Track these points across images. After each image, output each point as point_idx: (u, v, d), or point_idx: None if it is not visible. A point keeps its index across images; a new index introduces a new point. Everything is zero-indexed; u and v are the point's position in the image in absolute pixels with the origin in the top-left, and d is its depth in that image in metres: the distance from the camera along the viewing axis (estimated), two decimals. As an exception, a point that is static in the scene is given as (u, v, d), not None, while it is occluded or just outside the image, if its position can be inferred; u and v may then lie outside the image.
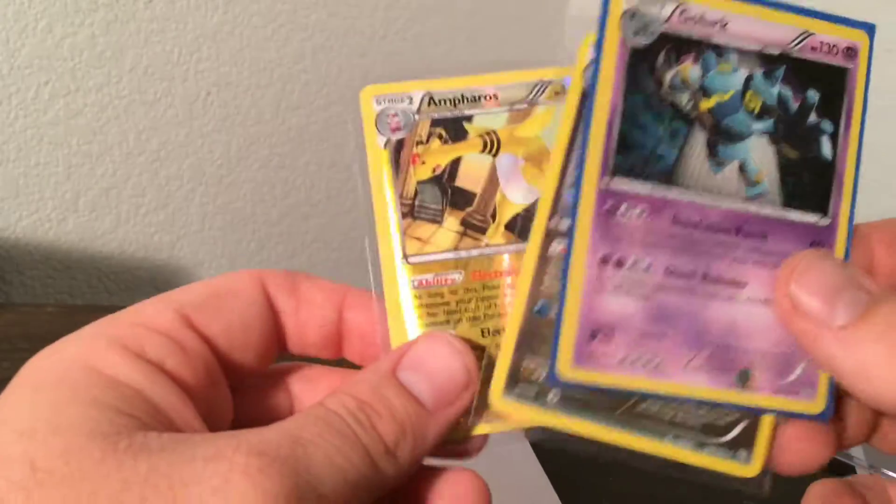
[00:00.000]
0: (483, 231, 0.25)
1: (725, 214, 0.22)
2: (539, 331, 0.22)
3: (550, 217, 0.23)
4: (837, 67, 0.23)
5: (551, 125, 0.25)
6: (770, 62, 0.23)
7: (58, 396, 0.19)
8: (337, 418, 0.20)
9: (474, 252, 0.24)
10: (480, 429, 0.23)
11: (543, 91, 0.25)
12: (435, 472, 0.23)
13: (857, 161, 0.23)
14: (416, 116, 0.25)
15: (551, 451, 0.45)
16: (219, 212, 0.71)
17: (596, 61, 0.22)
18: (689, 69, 0.22)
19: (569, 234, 0.22)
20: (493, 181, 0.25)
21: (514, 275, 0.24)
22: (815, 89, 0.23)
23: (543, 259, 0.23)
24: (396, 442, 0.20)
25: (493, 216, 0.25)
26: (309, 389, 0.25)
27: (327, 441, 0.19)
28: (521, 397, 0.22)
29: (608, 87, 0.22)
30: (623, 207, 0.22)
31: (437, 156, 0.25)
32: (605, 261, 0.22)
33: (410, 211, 0.25)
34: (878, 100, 0.25)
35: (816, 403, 0.22)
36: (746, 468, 0.23)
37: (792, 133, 0.23)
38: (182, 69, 0.65)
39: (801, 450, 0.22)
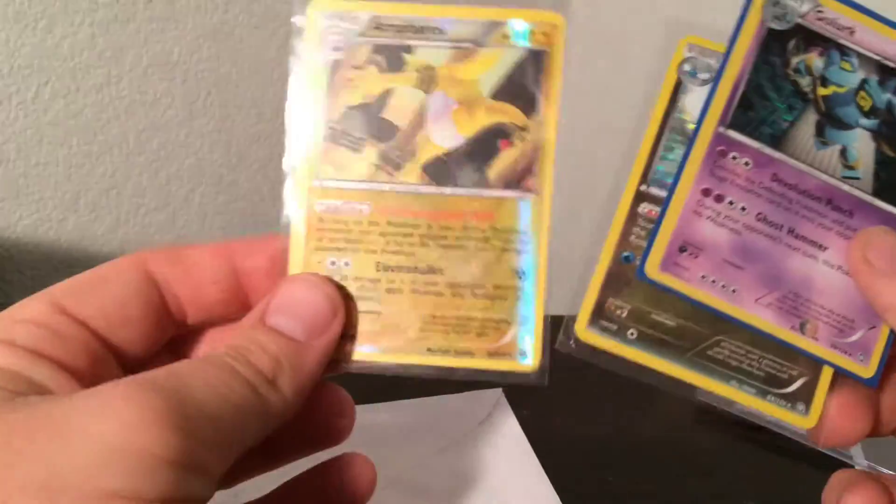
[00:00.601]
0: (399, 167, 0.25)
1: (820, 185, 0.25)
2: (625, 275, 0.25)
3: (640, 183, 0.26)
4: None
5: (491, 70, 0.25)
6: (886, 72, 0.26)
7: None
8: (215, 356, 0.21)
9: (385, 187, 0.25)
10: (359, 354, 0.24)
11: (492, 33, 0.25)
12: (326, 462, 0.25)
13: None
14: (358, 39, 0.25)
15: (552, 450, 0.45)
16: (219, 212, 0.71)
17: (735, 32, 0.25)
18: (815, 59, 0.26)
19: (680, 163, 0.25)
20: (419, 119, 0.25)
21: (425, 217, 0.25)
22: None
23: (632, 216, 0.26)
24: (274, 372, 0.21)
25: (413, 154, 0.25)
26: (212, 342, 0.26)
27: (206, 372, 0.20)
28: (604, 331, 0.25)
29: (741, 56, 0.25)
30: (732, 154, 0.25)
31: (371, 83, 0.25)
32: (706, 192, 0.25)
33: (332, 135, 0.25)
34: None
35: (868, 368, 0.25)
36: (804, 420, 0.25)
37: (894, 136, 0.26)
38: (182, 69, 0.65)
39: (847, 417, 0.25)
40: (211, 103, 0.67)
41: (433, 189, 0.25)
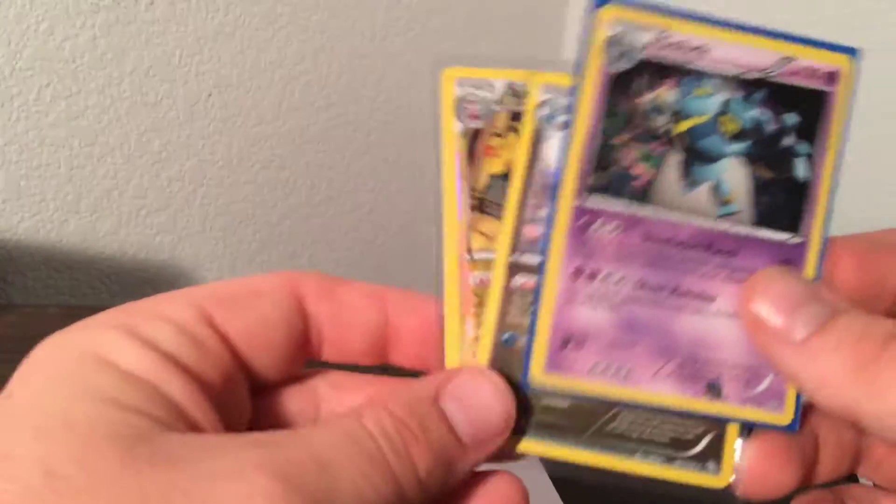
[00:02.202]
0: None
1: (696, 232, 0.23)
2: (508, 360, 0.23)
3: (512, 252, 0.23)
4: (817, 91, 0.23)
5: None
6: (748, 86, 0.23)
7: (72, 391, 0.18)
8: (369, 440, 0.19)
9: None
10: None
11: None
12: (473, 475, 0.23)
13: (832, 183, 0.23)
14: (496, 107, 0.24)
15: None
16: (220, 213, 0.71)
17: (576, 85, 0.23)
18: (667, 93, 0.23)
19: (542, 248, 0.23)
20: None
21: None
22: (794, 112, 0.23)
23: (507, 292, 0.23)
24: (429, 472, 0.20)
25: None
26: (337, 396, 0.24)
27: (356, 467, 0.18)
28: None
29: (587, 111, 0.23)
30: (597, 223, 0.23)
31: (513, 151, 0.24)
32: (577, 273, 0.23)
33: (479, 204, 0.24)
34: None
35: (784, 415, 0.23)
36: (716, 479, 0.23)
37: (767, 155, 0.23)
38: (183, 71, 0.65)
39: (768, 466, 0.22)
40: (212, 105, 0.67)
41: None
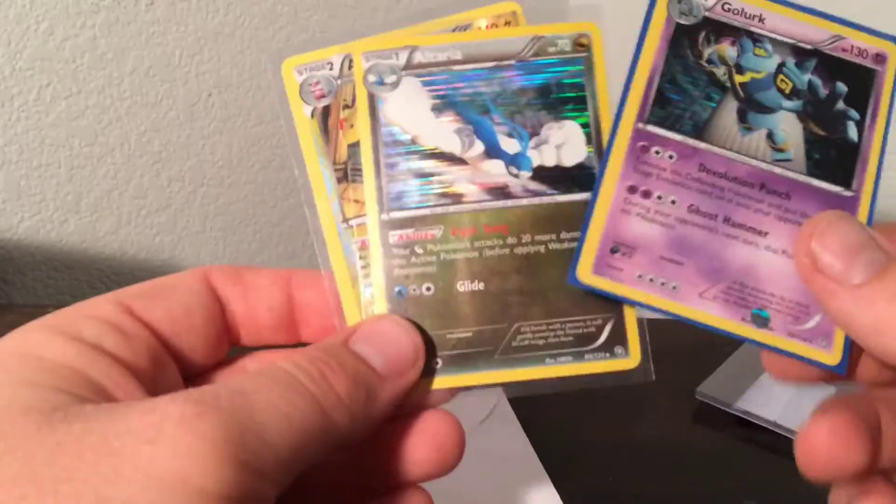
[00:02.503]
0: None
1: (751, 171, 0.24)
2: (405, 309, 0.24)
3: (380, 213, 0.24)
4: (867, 67, 0.25)
5: None
6: (803, 54, 0.25)
7: None
8: (282, 372, 0.20)
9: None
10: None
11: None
12: (406, 417, 0.23)
13: (881, 151, 0.25)
14: (339, 81, 0.25)
15: (553, 450, 0.45)
16: (220, 213, 0.71)
17: (643, 30, 0.24)
18: (727, 49, 0.25)
19: (601, 162, 0.24)
20: None
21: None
22: (844, 83, 0.25)
23: (387, 249, 0.24)
24: (349, 393, 0.20)
25: None
26: None
27: (271, 390, 0.19)
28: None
29: (651, 52, 0.24)
30: (655, 148, 0.24)
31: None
32: (632, 189, 0.24)
33: (345, 175, 0.25)
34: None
35: (833, 354, 0.23)
36: (627, 361, 0.24)
37: (820, 114, 0.25)
38: (183, 71, 0.65)
39: (840, 441, 0.21)
40: (212, 105, 0.67)
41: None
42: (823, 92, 0.25)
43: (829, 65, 0.25)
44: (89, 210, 0.64)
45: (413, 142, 0.25)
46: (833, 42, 0.25)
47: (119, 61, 0.62)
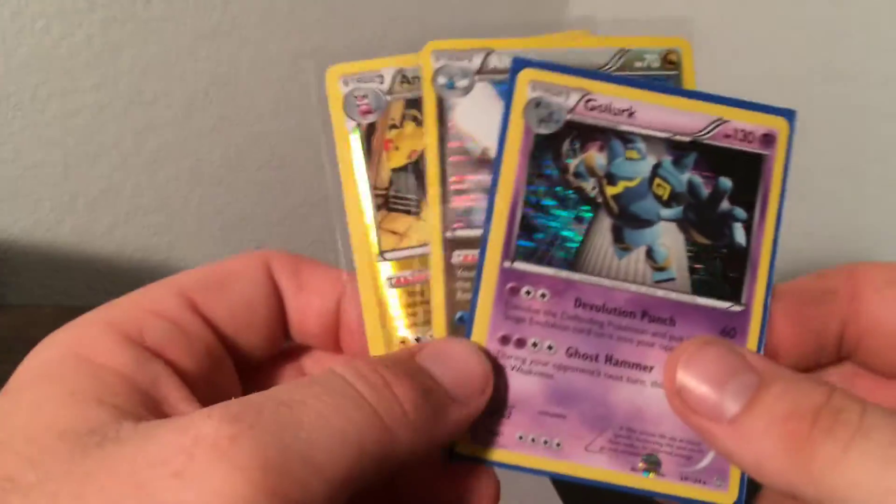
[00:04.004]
0: None
1: (631, 298, 0.22)
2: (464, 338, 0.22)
3: (444, 230, 0.22)
4: (753, 154, 0.22)
5: None
6: (680, 149, 0.22)
7: (38, 395, 0.18)
8: (339, 380, 0.18)
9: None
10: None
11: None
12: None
13: (773, 247, 0.22)
14: (388, 97, 0.23)
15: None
16: (218, 213, 0.71)
17: (500, 146, 0.22)
18: (595, 157, 0.22)
19: (469, 312, 0.22)
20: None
21: None
22: (728, 176, 0.22)
23: (449, 269, 0.22)
24: (416, 406, 0.18)
25: None
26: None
27: (321, 401, 0.17)
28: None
29: (511, 174, 0.22)
30: (525, 289, 0.22)
31: (413, 140, 0.23)
32: (505, 340, 0.22)
33: (385, 202, 0.23)
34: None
35: (728, 493, 0.22)
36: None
37: (702, 220, 0.22)
38: (180, 69, 0.65)
39: None
40: (209, 103, 0.67)
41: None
42: (705, 192, 0.22)
43: (709, 157, 0.22)
44: (86, 210, 0.64)
45: (484, 154, 0.23)
46: (713, 128, 0.22)
47: (115, 59, 0.61)
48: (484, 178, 0.22)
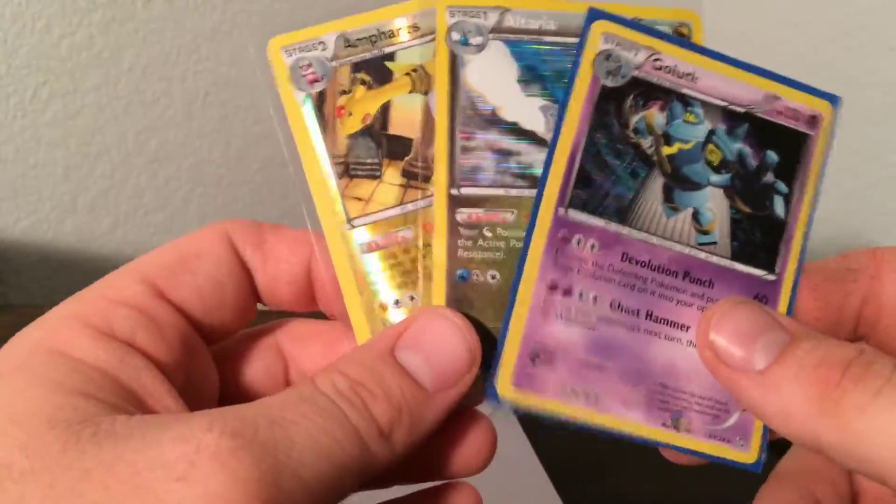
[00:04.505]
0: (427, 179, 0.23)
1: (674, 257, 0.23)
2: (465, 296, 0.22)
3: (449, 186, 0.22)
4: (799, 132, 0.23)
5: None
6: (734, 119, 0.23)
7: (17, 382, 0.18)
8: (324, 398, 0.18)
9: (422, 203, 0.23)
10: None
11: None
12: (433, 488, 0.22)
13: (808, 223, 0.23)
14: (334, 63, 0.23)
15: (553, 449, 0.45)
16: (218, 213, 0.71)
17: (566, 94, 0.22)
18: (655, 115, 0.23)
19: (520, 256, 0.22)
20: (429, 122, 0.23)
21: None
22: (775, 150, 0.23)
23: (452, 227, 0.22)
24: (391, 424, 0.19)
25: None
26: (301, 349, 0.24)
27: (311, 421, 0.18)
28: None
29: (574, 124, 0.22)
30: (576, 238, 0.22)
31: (364, 104, 0.23)
32: (553, 287, 0.22)
33: (345, 169, 0.23)
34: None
35: (749, 453, 0.23)
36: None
37: (747, 189, 0.23)
38: (181, 69, 0.65)
39: None
40: (210, 104, 0.67)
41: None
42: (752, 163, 0.23)
43: (760, 131, 0.23)
44: (86, 210, 0.64)
45: (494, 113, 0.22)
46: (768, 104, 0.23)
47: (116, 59, 0.61)
48: (493, 137, 0.22)
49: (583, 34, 0.22)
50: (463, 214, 0.22)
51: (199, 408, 0.19)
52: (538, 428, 0.46)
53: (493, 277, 0.22)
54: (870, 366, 0.18)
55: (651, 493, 0.43)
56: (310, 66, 0.23)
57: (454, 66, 0.22)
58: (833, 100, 0.24)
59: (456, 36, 0.22)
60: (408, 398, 0.20)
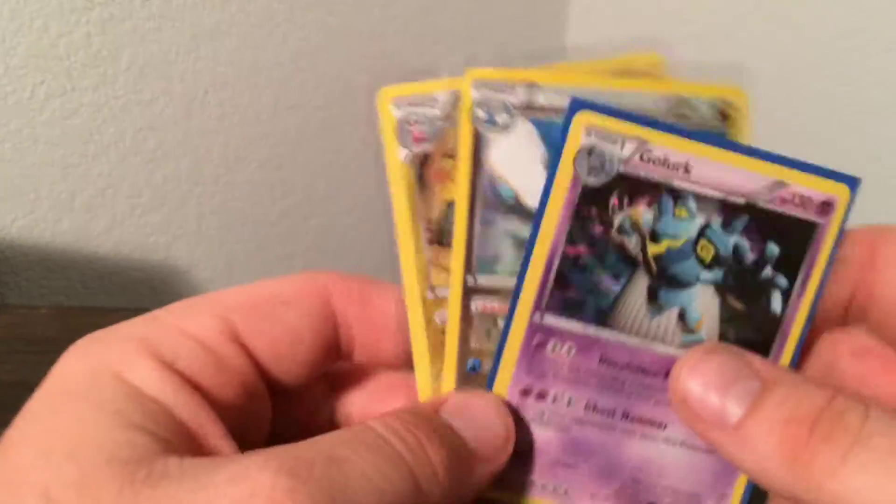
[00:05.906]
0: None
1: (656, 358, 0.21)
2: (477, 386, 0.22)
3: (466, 273, 0.21)
4: (807, 222, 0.21)
5: None
6: (732, 211, 0.21)
7: (81, 410, 0.18)
8: (377, 438, 0.18)
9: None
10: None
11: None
12: None
13: (808, 317, 0.22)
14: (443, 123, 0.21)
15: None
16: (216, 212, 0.71)
17: (545, 194, 0.21)
18: (642, 213, 0.21)
19: (494, 360, 0.21)
20: None
21: None
22: (777, 242, 0.21)
23: (466, 316, 0.22)
24: (447, 469, 0.19)
25: None
26: (356, 393, 0.24)
27: (368, 461, 0.18)
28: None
29: (551, 228, 0.21)
30: (552, 343, 0.21)
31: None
32: (526, 393, 0.21)
33: (438, 237, 0.22)
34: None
35: None
36: None
37: (741, 286, 0.21)
38: (179, 68, 0.64)
39: None
40: (208, 103, 0.67)
41: None
42: (750, 257, 0.21)
43: (762, 222, 0.21)
44: (83, 209, 0.64)
45: (516, 199, 0.21)
46: (772, 192, 0.21)
47: (114, 59, 0.61)
48: (513, 225, 0.21)
49: (563, 128, 0.20)
50: (477, 303, 0.21)
51: (248, 447, 0.18)
52: None
53: None
54: (839, 419, 0.18)
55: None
56: (418, 122, 0.21)
57: (477, 145, 0.21)
58: (851, 183, 0.21)
59: (481, 113, 0.21)
60: (459, 449, 0.20)
